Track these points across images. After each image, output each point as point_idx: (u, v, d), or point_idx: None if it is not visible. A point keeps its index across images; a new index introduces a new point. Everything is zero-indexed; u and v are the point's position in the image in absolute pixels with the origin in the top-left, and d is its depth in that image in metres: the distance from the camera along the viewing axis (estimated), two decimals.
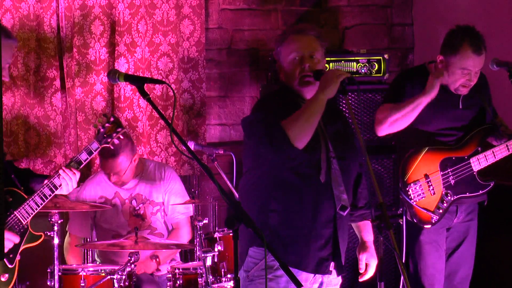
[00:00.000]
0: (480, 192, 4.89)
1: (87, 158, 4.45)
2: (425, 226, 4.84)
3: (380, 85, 5.90)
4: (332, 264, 4.02)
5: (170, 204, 5.57)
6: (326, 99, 3.89)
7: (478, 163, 4.86)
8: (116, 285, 4.79)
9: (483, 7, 6.13)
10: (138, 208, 5.53)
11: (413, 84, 4.88)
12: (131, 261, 4.88)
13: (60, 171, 4.33)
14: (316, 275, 4.00)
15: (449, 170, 4.84)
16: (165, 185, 5.62)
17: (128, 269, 4.88)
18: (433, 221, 4.82)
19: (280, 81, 4.13)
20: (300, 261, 3.94)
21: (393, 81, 5.19)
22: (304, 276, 3.93)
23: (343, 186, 3.99)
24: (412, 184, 4.82)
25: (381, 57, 5.92)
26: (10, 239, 4.23)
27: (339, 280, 4.11)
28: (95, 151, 4.48)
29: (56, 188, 4.33)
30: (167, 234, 5.62)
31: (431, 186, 4.82)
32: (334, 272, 4.04)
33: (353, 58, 5.90)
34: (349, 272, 5.79)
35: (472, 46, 4.76)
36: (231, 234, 3.36)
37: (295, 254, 3.93)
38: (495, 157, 4.87)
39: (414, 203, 4.80)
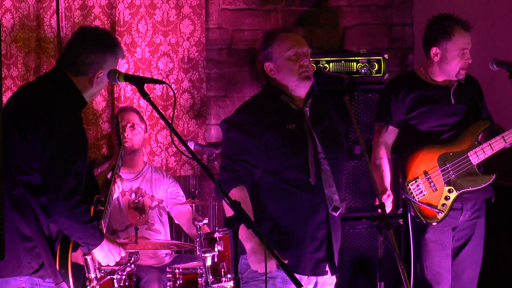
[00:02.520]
0: (483, 185, 4.89)
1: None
2: (432, 223, 4.83)
3: (380, 85, 5.89)
4: (327, 264, 4.01)
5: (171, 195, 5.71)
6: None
7: (476, 156, 4.87)
8: (116, 285, 4.78)
9: (483, 7, 6.13)
10: (137, 201, 5.56)
11: (398, 96, 4.96)
12: (131, 261, 4.88)
13: (118, 180, 4.31)
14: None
15: (448, 165, 4.85)
16: (165, 183, 5.71)
17: (128, 269, 4.88)
18: (439, 217, 4.82)
19: (267, 82, 4.10)
20: (297, 264, 3.92)
21: (380, 94, 5.24)
22: (298, 277, 3.92)
23: (334, 187, 3.96)
24: (412, 181, 4.84)
25: (381, 57, 5.92)
26: (121, 255, 4.00)
27: (333, 279, 4.10)
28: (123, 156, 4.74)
29: (112, 195, 4.31)
30: (164, 230, 5.64)
31: (431, 183, 4.83)
32: (328, 272, 4.03)
33: (353, 58, 5.89)
34: (349, 272, 5.80)
35: (461, 25, 4.91)
36: None
37: (291, 258, 3.90)
38: (492, 150, 4.88)
39: (417, 200, 4.81)
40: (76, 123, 3.82)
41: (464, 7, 6.19)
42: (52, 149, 3.70)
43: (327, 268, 4.01)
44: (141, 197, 5.60)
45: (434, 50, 4.93)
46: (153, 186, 5.68)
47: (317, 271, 3.98)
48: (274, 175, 3.92)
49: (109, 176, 4.32)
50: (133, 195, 5.58)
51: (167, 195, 5.73)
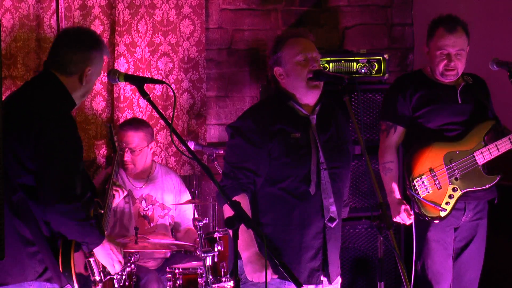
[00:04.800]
0: (487, 185, 4.89)
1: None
2: (435, 221, 4.83)
3: (380, 85, 5.90)
4: (322, 274, 3.99)
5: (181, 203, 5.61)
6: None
7: (482, 156, 4.87)
8: (116, 285, 4.78)
9: (483, 7, 6.13)
10: (146, 209, 5.53)
11: (405, 95, 4.96)
12: (131, 261, 4.88)
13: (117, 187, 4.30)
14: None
15: (453, 164, 4.85)
16: (176, 191, 5.65)
17: (128, 269, 4.88)
18: (442, 215, 4.82)
19: (278, 86, 4.09)
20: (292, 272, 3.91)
21: (386, 92, 5.22)
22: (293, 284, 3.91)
23: (332, 198, 3.96)
24: (418, 178, 4.84)
25: (381, 57, 5.92)
26: (120, 261, 3.99)
27: (338, 279, 4.09)
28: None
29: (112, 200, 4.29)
30: (170, 235, 5.62)
31: (436, 180, 4.84)
32: (325, 281, 4.01)
33: (353, 58, 5.90)
34: (349, 272, 5.80)
35: (444, 26, 4.91)
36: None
37: None
38: (498, 151, 4.87)
39: (422, 197, 4.81)
40: (68, 122, 3.79)
41: (464, 7, 6.19)
42: (44, 147, 3.68)
43: (322, 278, 4.00)
44: (151, 205, 5.56)
45: (425, 49, 4.98)
46: (164, 194, 5.64)
47: (311, 280, 3.97)
48: (273, 184, 3.92)
49: (107, 186, 4.29)
50: (143, 202, 5.55)
51: (180, 214, 5.69)
